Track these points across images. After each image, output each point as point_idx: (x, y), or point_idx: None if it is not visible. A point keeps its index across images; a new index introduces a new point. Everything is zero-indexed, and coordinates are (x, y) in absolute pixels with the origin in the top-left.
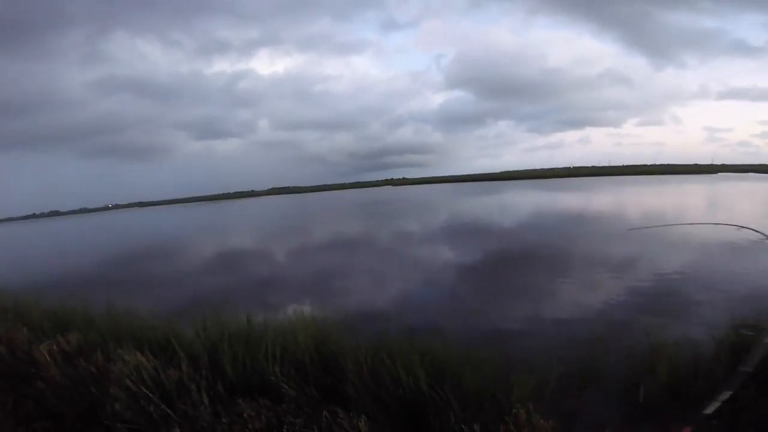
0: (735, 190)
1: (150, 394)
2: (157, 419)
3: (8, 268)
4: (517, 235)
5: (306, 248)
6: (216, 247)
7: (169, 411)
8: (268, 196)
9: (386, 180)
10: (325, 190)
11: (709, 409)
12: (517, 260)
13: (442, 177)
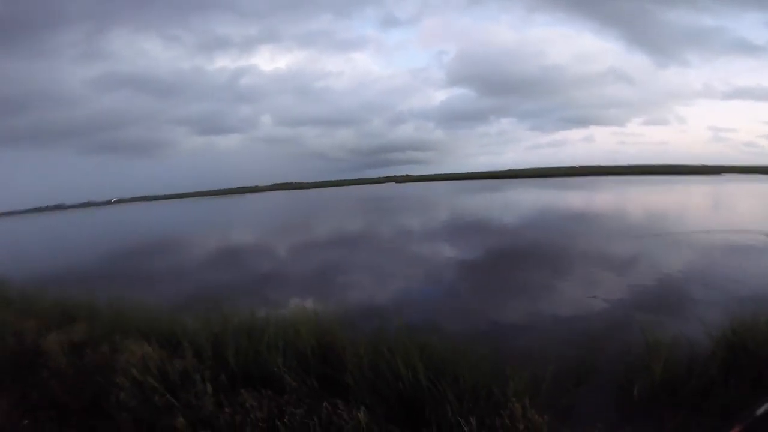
0: (742, 191)
1: (155, 384)
2: (161, 408)
3: (14, 260)
4: (518, 234)
5: (308, 244)
6: (219, 242)
7: (173, 400)
8: (271, 192)
9: (389, 177)
10: (327, 186)
11: (761, 411)
12: (516, 258)
13: (445, 174)
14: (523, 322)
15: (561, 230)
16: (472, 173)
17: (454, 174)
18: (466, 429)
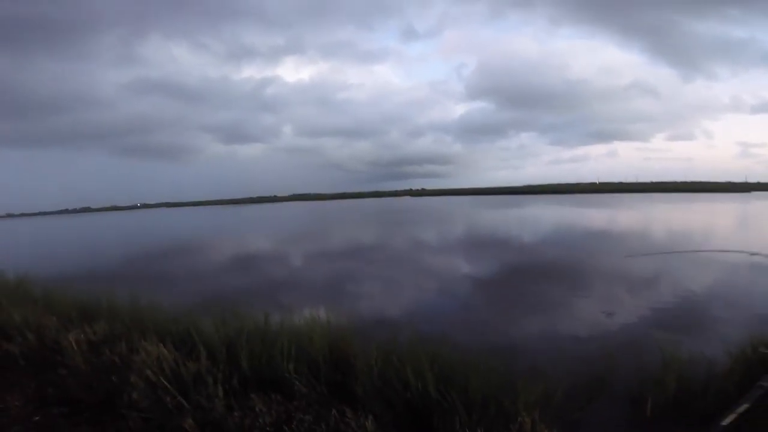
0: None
1: (168, 385)
2: (172, 409)
3: (41, 259)
4: (534, 250)
5: (324, 253)
6: (237, 248)
7: (183, 401)
8: (289, 202)
9: (405, 190)
10: (345, 197)
11: (726, 421)
12: (531, 274)
13: (463, 189)
14: (536, 337)
15: (578, 247)
16: (490, 188)
17: (472, 188)
18: None
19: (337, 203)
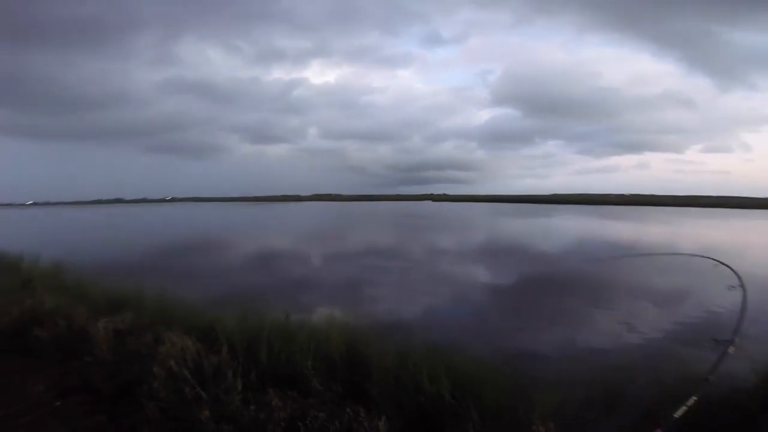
0: None
1: (188, 376)
2: (190, 400)
3: (75, 247)
4: (555, 261)
5: (344, 254)
6: (260, 246)
7: (202, 393)
8: (312, 202)
9: (425, 194)
10: (365, 200)
11: (679, 413)
12: (551, 285)
13: (485, 195)
14: (554, 348)
15: (602, 260)
16: (513, 195)
17: (494, 195)
18: None
19: (357, 205)
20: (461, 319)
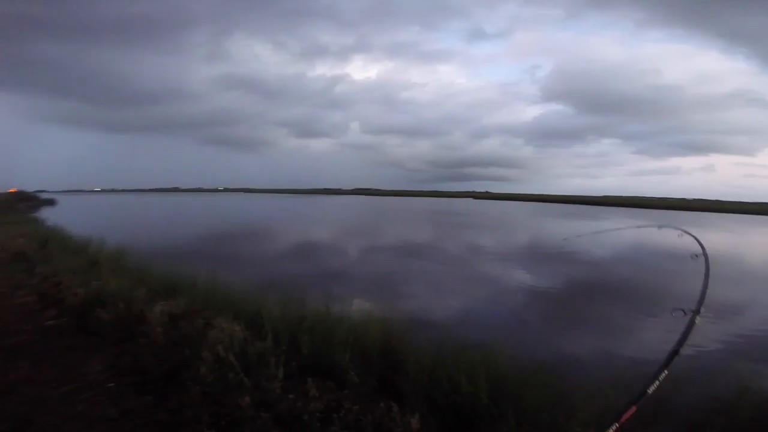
0: None
1: (234, 362)
2: (233, 386)
3: (135, 233)
4: (604, 267)
5: (384, 248)
6: (304, 237)
7: (245, 379)
8: (352, 196)
9: (467, 192)
10: (405, 195)
11: (651, 389)
12: (598, 293)
13: (532, 194)
14: (598, 355)
15: (655, 268)
16: (561, 195)
17: (541, 195)
18: None
19: (396, 200)
20: (499, 320)
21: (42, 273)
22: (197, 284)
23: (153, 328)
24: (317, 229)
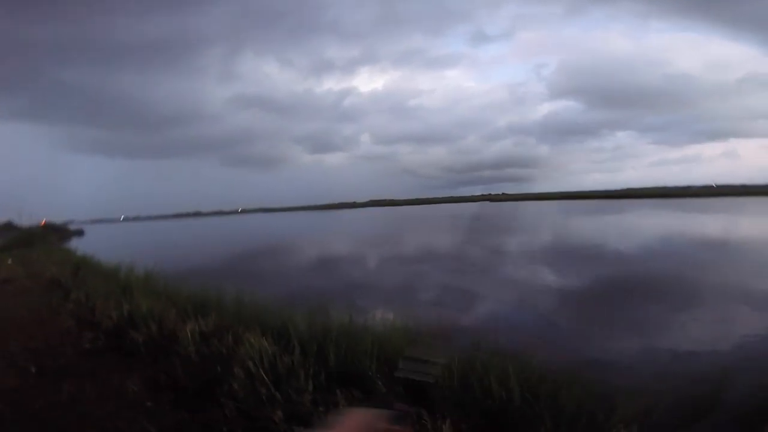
0: None
1: (264, 377)
2: (265, 401)
3: (162, 256)
4: (632, 262)
5: (404, 258)
6: (322, 251)
7: (277, 393)
8: (367, 208)
9: (483, 195)
10: (420, 203)
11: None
12: (630, 289)
13: (550, 193)
14: (635, 353)
15: (687, 259)
16: (580, 192)
17: (560, 192)
18: None
19: (411, 209)
20: (530, 323)
21: (76, 298)
22: (225, 302)
23: (185, 346)
24: (331, 244)
